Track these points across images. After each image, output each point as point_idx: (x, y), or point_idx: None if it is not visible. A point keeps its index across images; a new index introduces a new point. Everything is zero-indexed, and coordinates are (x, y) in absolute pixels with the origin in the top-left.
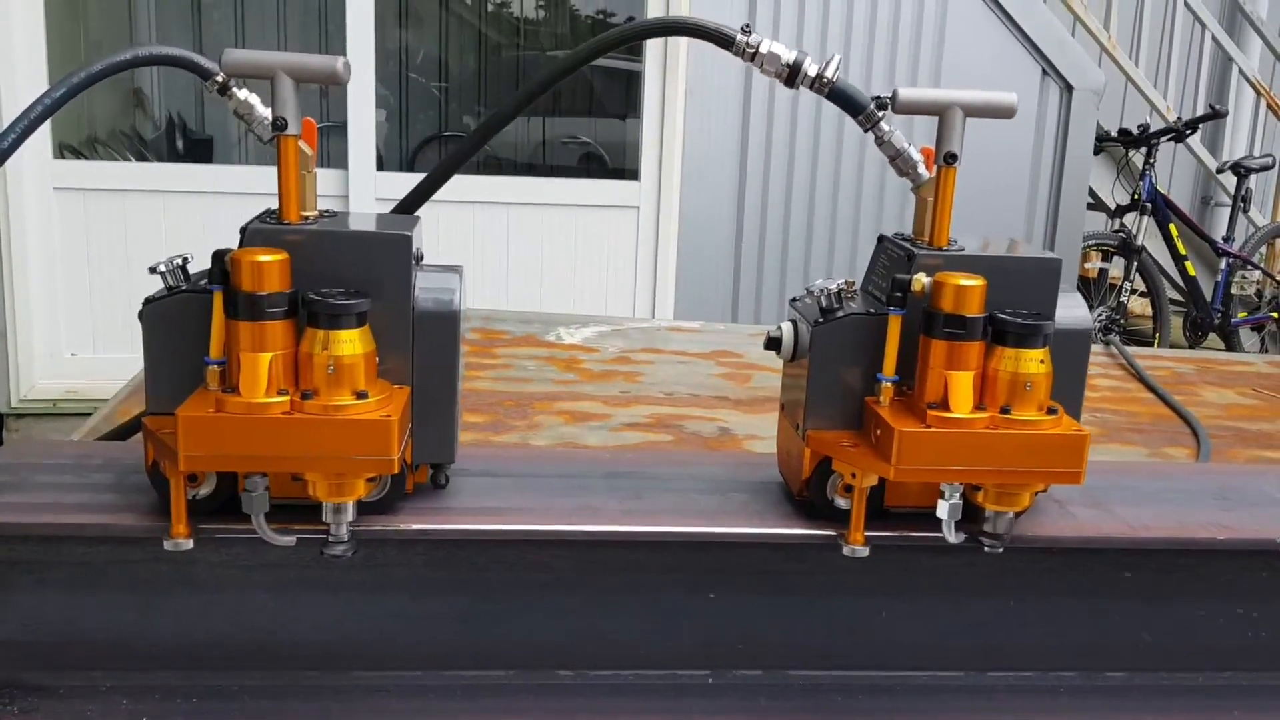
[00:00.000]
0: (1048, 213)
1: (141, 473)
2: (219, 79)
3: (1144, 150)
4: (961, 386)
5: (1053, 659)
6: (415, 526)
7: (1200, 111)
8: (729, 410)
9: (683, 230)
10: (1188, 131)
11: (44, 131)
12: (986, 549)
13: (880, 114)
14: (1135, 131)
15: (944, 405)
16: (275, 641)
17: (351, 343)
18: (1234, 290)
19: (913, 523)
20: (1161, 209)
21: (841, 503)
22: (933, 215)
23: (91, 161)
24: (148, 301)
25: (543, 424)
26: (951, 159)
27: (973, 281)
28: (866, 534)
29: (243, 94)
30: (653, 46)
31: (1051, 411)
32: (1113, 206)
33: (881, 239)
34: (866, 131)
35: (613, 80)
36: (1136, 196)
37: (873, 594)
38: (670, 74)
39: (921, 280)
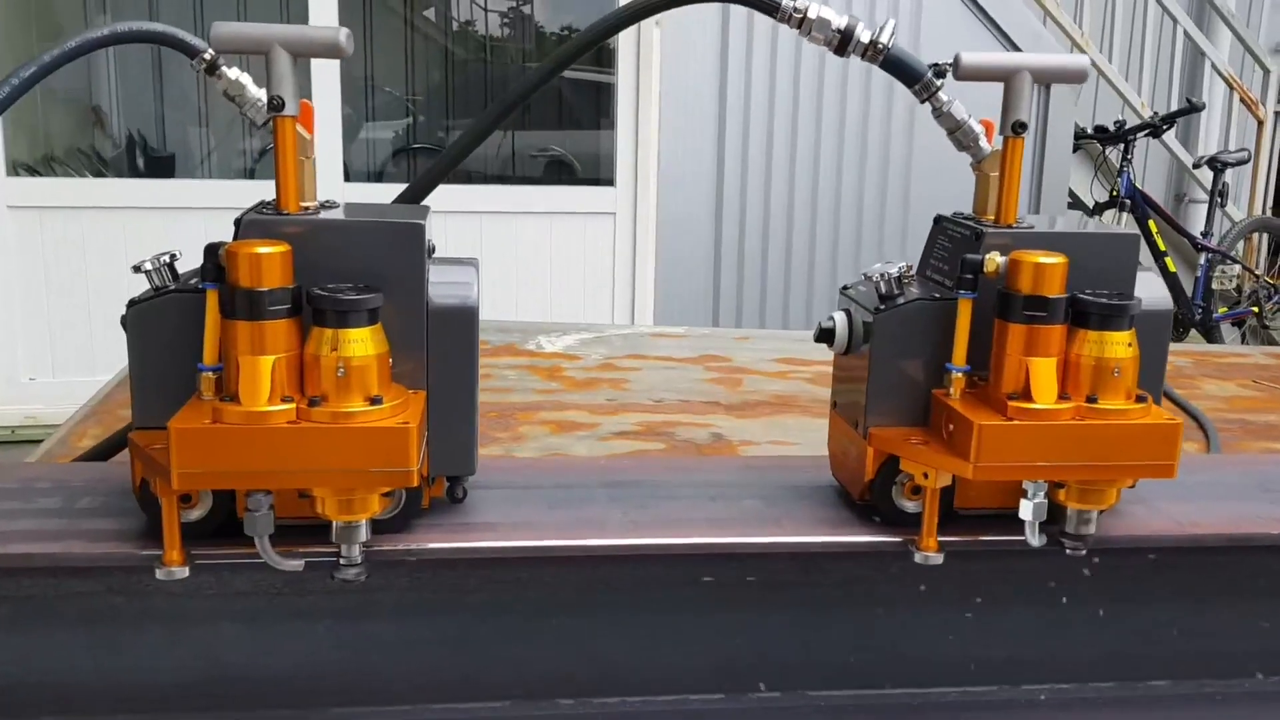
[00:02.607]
0: (1028, 211)
1: (94, 495)
2: (207, 56)
3: (1121, 147)
4: (1044, 374)
5: (1095, 669)
6: (437, 545)
7: (1175, 107)
8: (721, 415)
9: (661, 235)
10: (1165, 126)
11: None
12: (1069, 551)
13: (938, 83)
14: (1112, 128)
15: (1025, 396)
16: (246, 678)
17: (363, 342)
18: (1214, 285)
19: (984, 526)
20: (1140, 205)
21: (909, 506)
22: (999, 191)
23: (47, 178)
24: (133, 303)
25: (527, 435)
26: (1020, 128)
27: (1054, 259)
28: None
29: (233, 73)
30: (626, 51)
31: (1140, 400)
32: (1091, 204)
33: (939, 219)
34: (923, 102)
35: (583, 93)
36: (1115, 193)
37: (938, 605)
38: (644, 78)
39: (995, 260)
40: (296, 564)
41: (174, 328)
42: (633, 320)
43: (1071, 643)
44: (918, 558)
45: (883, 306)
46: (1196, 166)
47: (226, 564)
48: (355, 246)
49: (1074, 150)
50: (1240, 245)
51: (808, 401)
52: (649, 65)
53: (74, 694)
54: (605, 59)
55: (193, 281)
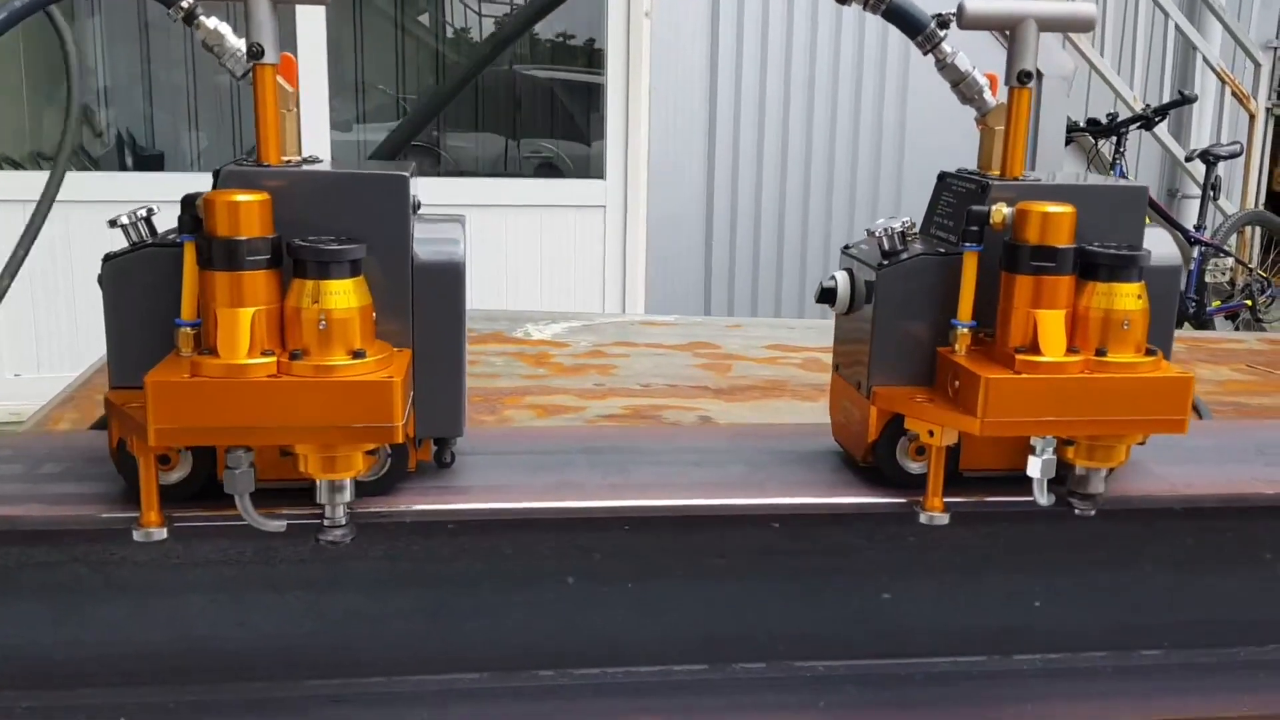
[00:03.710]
0: None
1: (56, 461)
2: (184, 4)
3: (1114, 140)
4: (1052, 327)
5: (1087, 638)
6: (425, 507)
7: (1166, 101)
8: (710, 400)
9: (652, 228)
10: (1157, 119)
11: None
12: (1078, 512)
13: (942, 33)
14: (1104, 121)
15: (1033, 349)
16: (216, 650)
17: (345, 294)
18: (1207, 279)
19: (990, 488)
20: None
21: (914, 467)
22: (1005, 143)
23: (31, 172)
24: (108, 258)
25: (513, 418)
26: (1026, 78)
27: (1062, 208)
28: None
29: (211, 22)
30: (616, 43)
31: (1150, 353)
32: None
33: (943, 175)
34: (926, 54)
35: (576, 96)
36: None
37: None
38: (634, 69)
39: (1002, 210)
40: (279, 525)
41: (151, 283)
42: (624, 311)
43: (1071, 610)
44: (923, 518)
45: (886, 262)
46: (1189, 160)
47: (197, 528)
48: (338, 200)
49: (1066, 143)
50: (1233, 239)
51: (798, 386)
52: (639, 56)
53: (37, 667)
54: (596, 58)
55: (171, 236)
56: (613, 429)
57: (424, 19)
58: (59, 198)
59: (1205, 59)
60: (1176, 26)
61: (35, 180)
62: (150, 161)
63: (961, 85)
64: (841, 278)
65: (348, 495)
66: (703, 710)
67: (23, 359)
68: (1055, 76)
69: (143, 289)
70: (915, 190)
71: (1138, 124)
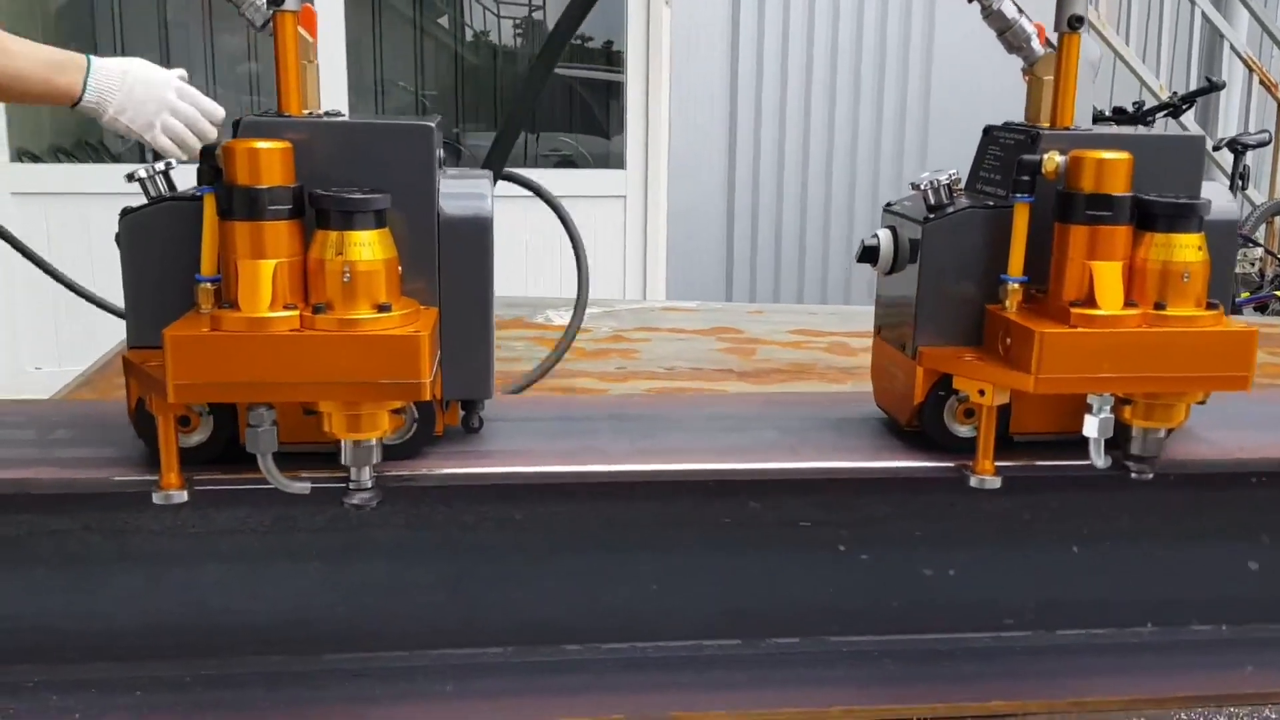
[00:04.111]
0: None
1: (69, 427)
2: None
3: (1140, 129)
4: (1109, 278)
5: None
6: (451, 471)
7: (1191, 89)
8: (734, 382)
9: (672, 215)
10: (1184, 106)
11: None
12: (1135, 475)
13: None
14: (1131, 109)
15: (1089, 303)
16: (231, 623)
17: (370, 246)
18: (1237, 269)
19: (1040, 452)
20: None
21: (961, 430)
22: (1055, 93)
23: (50, 165)
24: (126, 212)
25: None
26: (1076, 23)
27: (1118, 155)
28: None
29: None
30: (635, 31)
31: (1211, 307)
32: None
33: (989, 130)
34: (971, 1)
35: (594, 91)
36: None
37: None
38: (654, 58)
39: (1055, 158)
40: (303, 486)
41: (170, 239)
42: (644, 298)
43: (1121, 581)
44: (973, 481)
45: (932, 216)
46: (1216, 149)
47: (214, 494)
48: (360, 150)
49: None
50: (1262, 229)
51: (825, 369)
52: (659, 45)
53: (48, 640)
54: (614, 59)
55: (190, 190)
56: (641, 397)
57: (443, 20)
58: (78, 189)
59: (1232, 46)
60: (1203, 14)
61: (54, 174)
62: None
63: (1007, 33)
64: (884, 235)
65: (374, 457)
66: (734, 686)
67: (43, 352)
68: (1081, 62)
69: (161, 244)
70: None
71: (1165, 112)
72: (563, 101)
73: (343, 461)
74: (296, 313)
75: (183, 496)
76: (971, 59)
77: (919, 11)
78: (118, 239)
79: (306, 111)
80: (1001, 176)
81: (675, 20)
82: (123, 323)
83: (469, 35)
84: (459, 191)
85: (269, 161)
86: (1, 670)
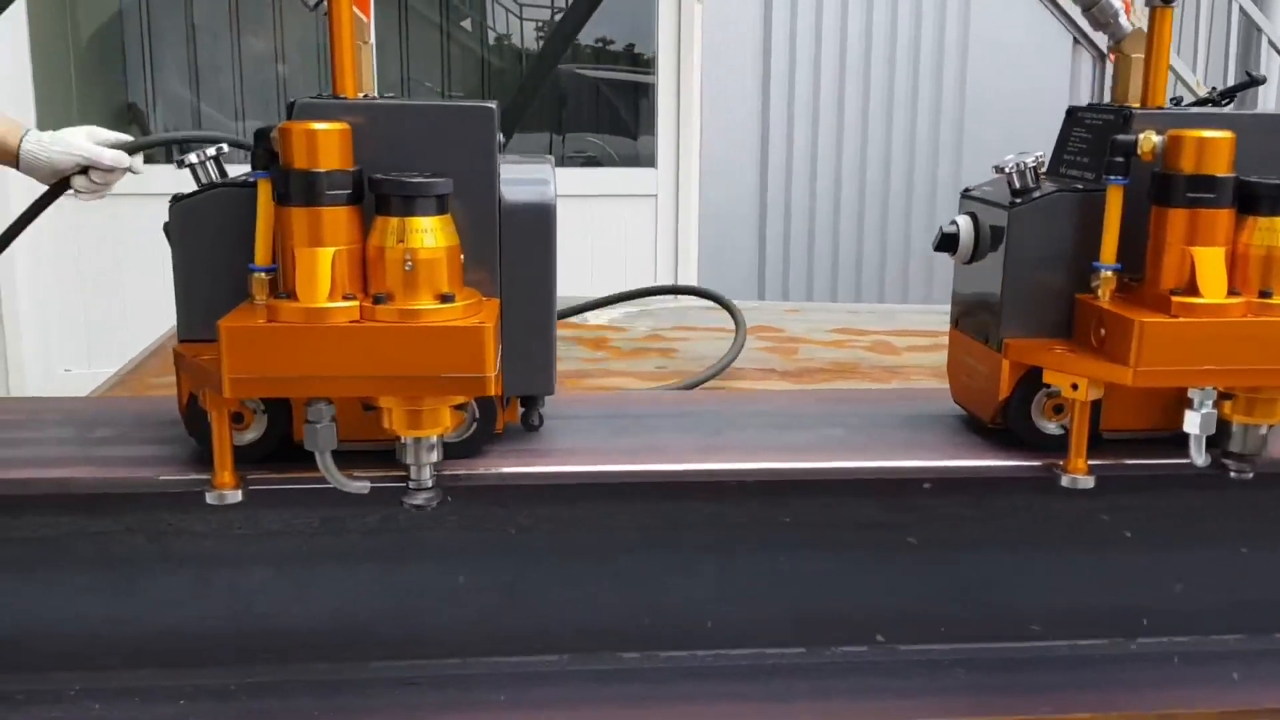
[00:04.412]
0: None
1: (111, 425)
2: None
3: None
4: (1212, 265)
5: (1224, 619)
6: (511, 470)
7: (1229, 85)
8: (777, 381)
9: (704, 217)
10: (1224, 101)
11: None
12: (1234, 474)
13: None
14: (1170, 104)
15: (1190, 290)
16: (278, 628)
17: (432, 233)
18: None
19: (1132, 451)
20: None
21: (1049, 427)
22: (1146, 70)
23: None
24: (176, 200)
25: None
26: None
27: (1220, 134)
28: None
29: None
30: (667, 25)
31: None
32: None
33: (1073, 110)
34: None
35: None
36: None
37: (1055, 542)
38: (685, 53)
39: (1152, 138)
40: (362, 485)
41: (222, 227)
42: (675, 298)
43: (1211, 587)
44: (1065, 481)
45: (1018, 201)
46: None
47: (262, 494)
48: (419, 134)
49: None
50: None
51: (870, 368)
52: (690, 41)
53: (86, 646)
54: (639, 61)
55: (244, 176)
56: (699, 395)
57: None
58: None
59: (1270, 41)
60: (1240, 8)
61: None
62: None
63: (1094, 9)
64: (964, 222)
65: (435, 455)
66: (798, 696)
67: (73, 354)
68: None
69: (213, 233)
70: (976, 178)
71: (1205, 107)
72: (590, 102)
73: (403, 460)
74: (356, 303)
75: (237, 496)
76: (1008, 54)
77: (954, 6)
78: (167, 229)
79: (362, 94)
80: (1090, 159)
81: (706, 15)
82: (152, 324)
83: (492, 38)
84: (521, 177)
85: (327, 144)
86: (41, 678)
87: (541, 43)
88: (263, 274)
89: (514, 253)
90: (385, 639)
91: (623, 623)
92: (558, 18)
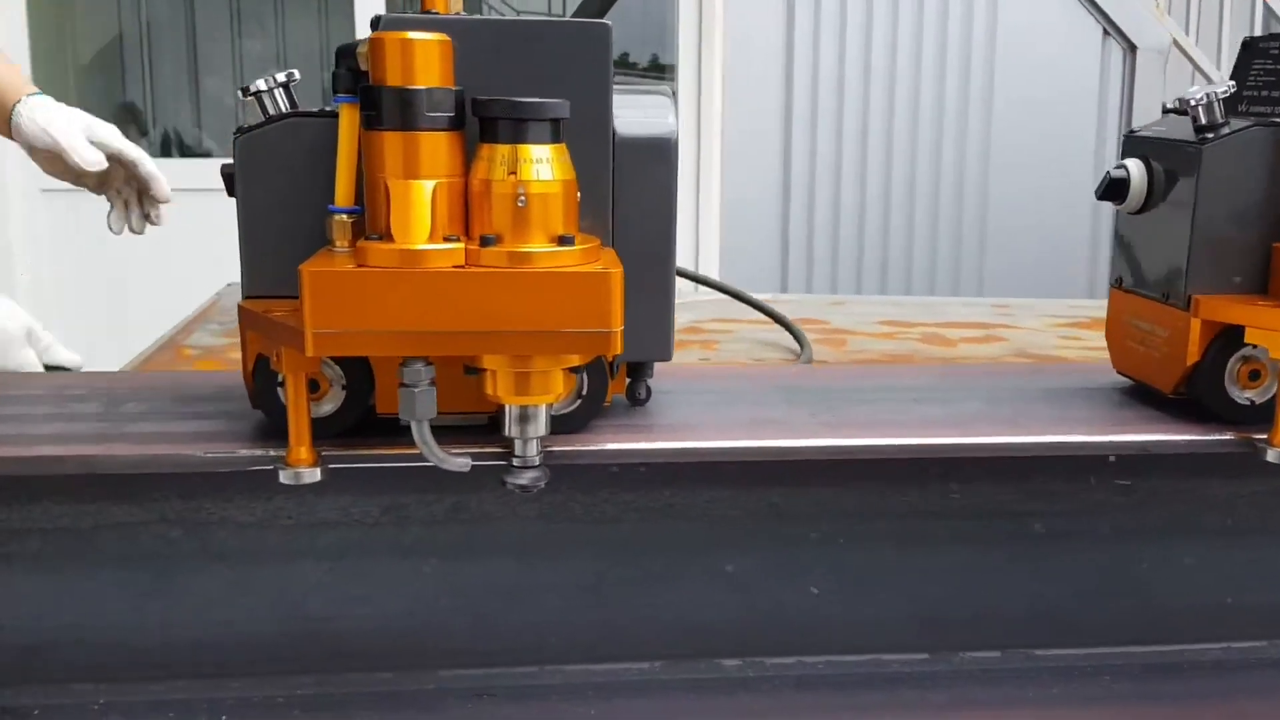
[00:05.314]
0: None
1: (142, 400)
2: None
3: None
4: None
5: None
6: (628, 446)
7: None
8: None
9: (724, 209)
10: None
11: None
12: None
13: None
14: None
15: None
16: (332, 633)
17: (548, 163)
18: None
19: None
20: None
21: (1244, 395)
22: None
23: None
24: (241, 132)
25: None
26: None
27: None
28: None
29: None
30: (688, 18)
31: None
32: None
33: (1250, 42)
34: None
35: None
36: None
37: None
38: (706, 46)
39: None
40: (463, 463)
41: (295, 164)
42: (695, 290)
43: None
44: (1270, 455)
45: (1209, 137)
46: None
47: (351, 469)
48: (523, 55)
49: None
50: None
51: (926, 360)
52: (711, 32)
53: (116, 654)
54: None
55: (326, 108)
56: (806, 368)
57: None
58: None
59: None
60: (1265, 3)
61: None
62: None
63: None
64: (1134, 166)
65: (543, 427)
66: (924, 708)
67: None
68: (1149, 49)
69: (284, 171)
70: (1003, 170)
71: None
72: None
73: (505, 433)
74: (460, 245)
75: (315, 475)
76: (1035, 45)
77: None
78: (226, 175)
79: (455, 11)
80: (1274, 90)
81: (728, 5)
82: (158, 329)
83: None
84: (638, 107)
85: (426, 56)
86: (61, 689)
87: None
88: (344, 216)
89: (630, 194)
90: (454, 645)
91: (721, 626)
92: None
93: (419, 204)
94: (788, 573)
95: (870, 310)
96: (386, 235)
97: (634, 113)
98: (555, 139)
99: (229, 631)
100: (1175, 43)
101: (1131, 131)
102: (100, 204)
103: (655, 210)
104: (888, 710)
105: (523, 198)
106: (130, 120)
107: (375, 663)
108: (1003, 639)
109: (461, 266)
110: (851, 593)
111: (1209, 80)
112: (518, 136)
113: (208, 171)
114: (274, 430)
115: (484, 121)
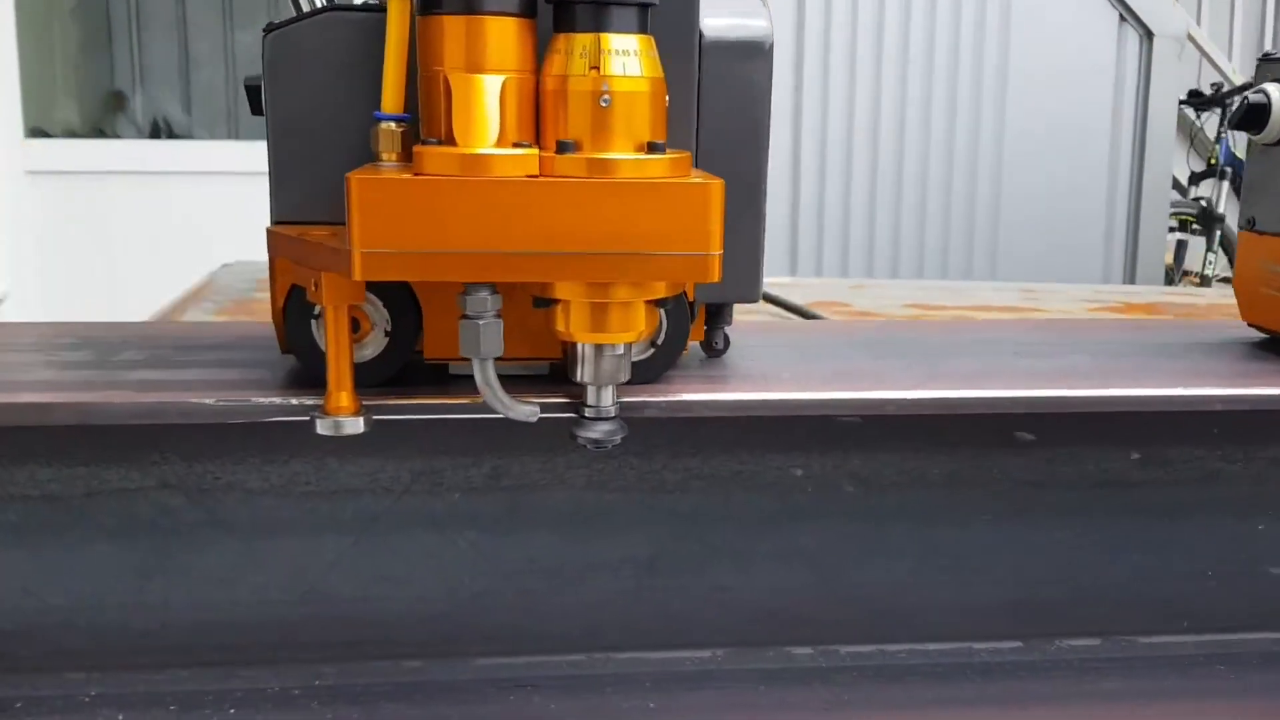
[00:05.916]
0: (1131, 170)
1: (139, 348)
2: None
3: (1219, 112)
4: None
5: None
6: (695, 398)
7: None
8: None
9: None
10: None
11: (13, 113)
12: None
13: None
14: (1210, 92)
15: None
16: (356, 615)
17: (636, 56)
18: None
19: None
20: (1241, 175)
21: None
22: None
23: (67, 140)
24: (271, 29)
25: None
26: None
27: None
28: None
29: None
30: None
31: None
32: (1187, 176)
33: None
34: None
35: None
36: (1214, 161)
37: None
38: None
39: None
40: (531, 410)
41: (333, 63)
42: None
43: None
44: None
45: None
46: None
47: (379, 428)
48: None
49: None
50: None
51: None
52: None
53: (111, 640)
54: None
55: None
56: (882, 323)
57: None
58: (99, 168)
59: None
60: None
61: (71, 151)
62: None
63: None
64: (1276, 90)
65: (623, 373)
66: (1017, 700)
67: None
68: (1166, 36)
69: (322, 72)
70: (1017, 157)
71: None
72: None
73: (579, 379)
74: (533, 151)
75: (358, 425)
76: (1051, 30)
77: None
78: (248, 88)
79: None
80: None
81: None
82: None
83: None
84: (726, 9)
85: None
86: (50, 679)
87: None
88: (393, 125)
89: (717, 108)
90: (492, 629)
91: (791, 610)
92: None
93: (485, 101)
94: (867, 550)
95: (895, 293)
96: (447, 140)
97: (723, 11)
98: (643, 28)
99: (238, 614)
100: (1191, 37)
101: (1268, 54)
102: (90, 186)
103: (747, 127)
104: (977, 704)
105: (606, 96)
106: (118, 107)
107: (404, 650)
108: (1105, 626)
109: (535, 176)
110: (938, 573)
111: (1223, 74)
112: (601, 24)
113: (210, 154)
114: (300, 379)
115: (559, 8)
